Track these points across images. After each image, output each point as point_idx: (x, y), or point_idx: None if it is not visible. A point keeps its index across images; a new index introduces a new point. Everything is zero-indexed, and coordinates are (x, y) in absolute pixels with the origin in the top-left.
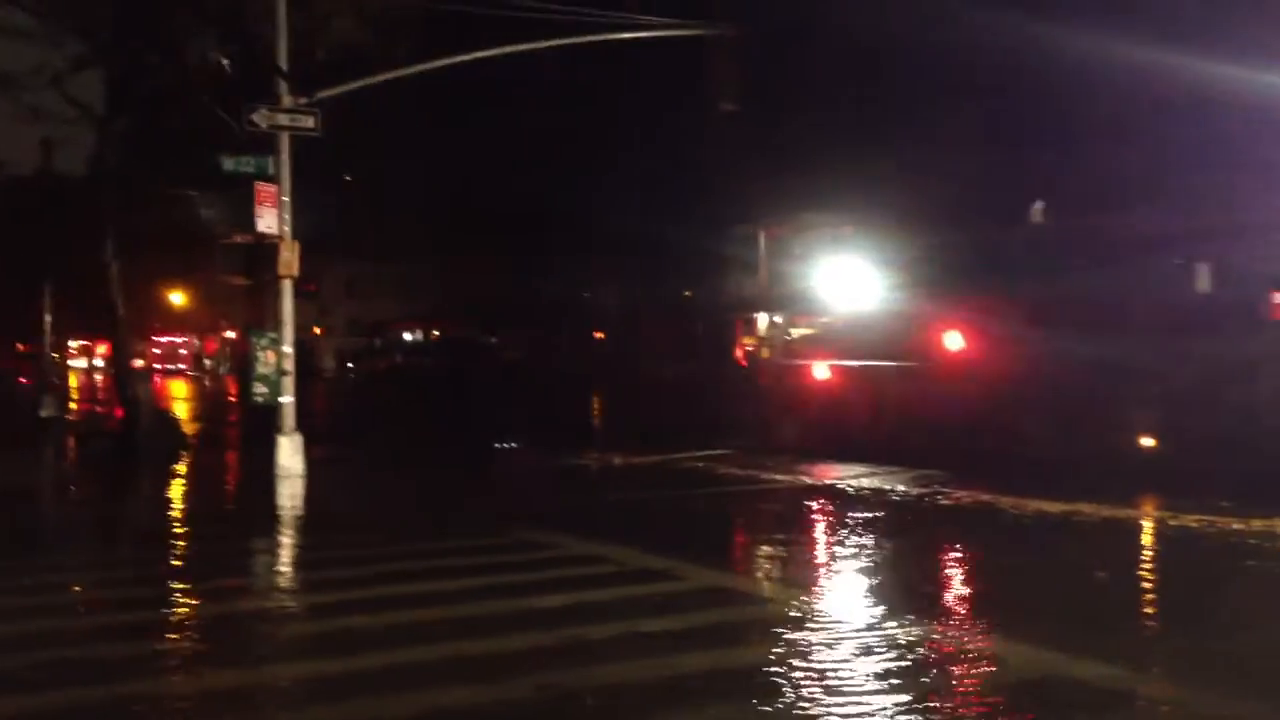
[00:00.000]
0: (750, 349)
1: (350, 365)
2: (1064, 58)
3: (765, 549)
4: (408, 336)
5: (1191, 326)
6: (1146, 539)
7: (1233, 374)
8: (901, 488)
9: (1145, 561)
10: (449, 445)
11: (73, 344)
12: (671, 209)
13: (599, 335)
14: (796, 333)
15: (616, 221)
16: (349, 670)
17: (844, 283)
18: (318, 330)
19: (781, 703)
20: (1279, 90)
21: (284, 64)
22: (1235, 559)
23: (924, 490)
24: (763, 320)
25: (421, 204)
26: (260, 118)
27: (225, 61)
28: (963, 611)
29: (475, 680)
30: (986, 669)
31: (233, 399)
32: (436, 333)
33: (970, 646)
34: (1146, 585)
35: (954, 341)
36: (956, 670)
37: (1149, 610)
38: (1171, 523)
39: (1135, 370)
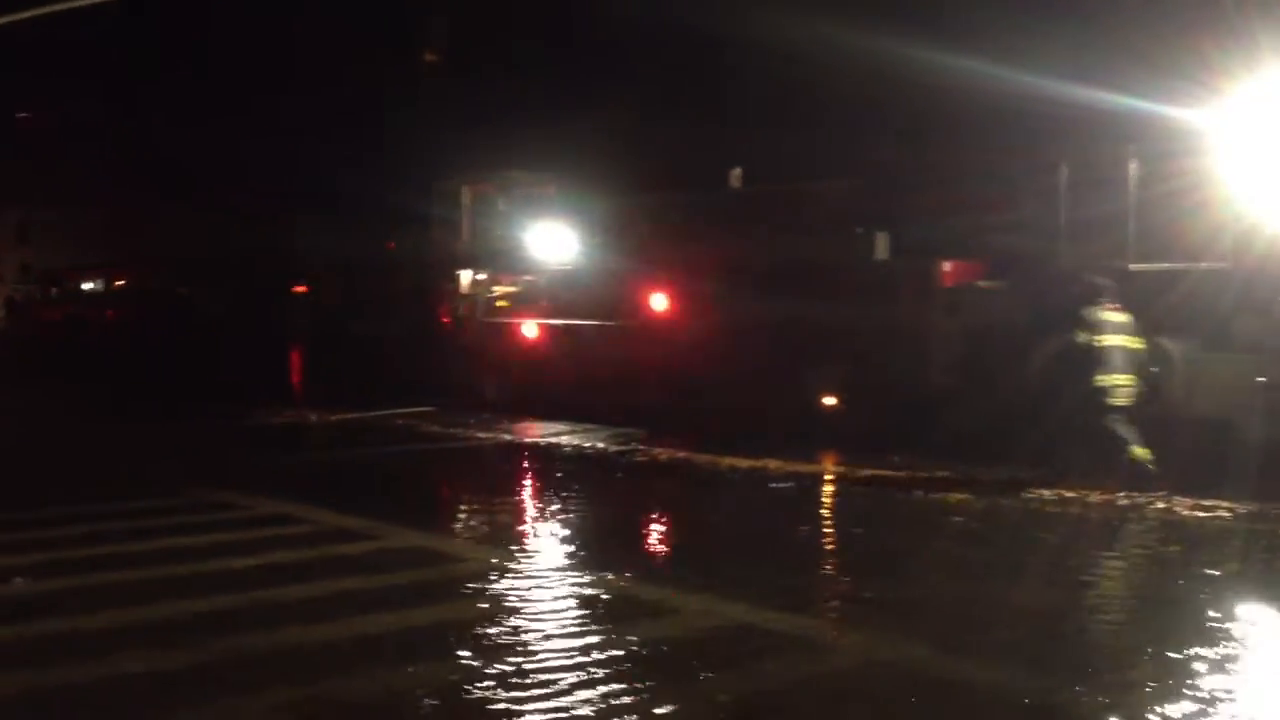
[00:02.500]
0: (454, 306)
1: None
2: (768, 31)
3: (465, 507)
4: (88, 286)
5: (870, 292)
6: (829, 493)
7: (906, 338)
8: (601, 445)
9: (826, 515)
10: (133, 401)
11: None
12: (375, 162)
13: (301, 290)
14: (500, 290)
15: (319, 174)
16: (21, 637)
17: (548, 241)
18: None
19: (480, 658)
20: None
21: None
22: (907, 512)
23: (623, 448)
24: (466, 277)
25: (108, 149)
26: None
27: None
28: (656, 564)
29: (161, 645)
30: (676, 618)
31: None
32: (121, 282)
33: (662, 598)
34: (827, 536)
35: (654, 302)
36: (647, 621)
37: (830, 560)
38: (851, 478)
39: (820, 333)
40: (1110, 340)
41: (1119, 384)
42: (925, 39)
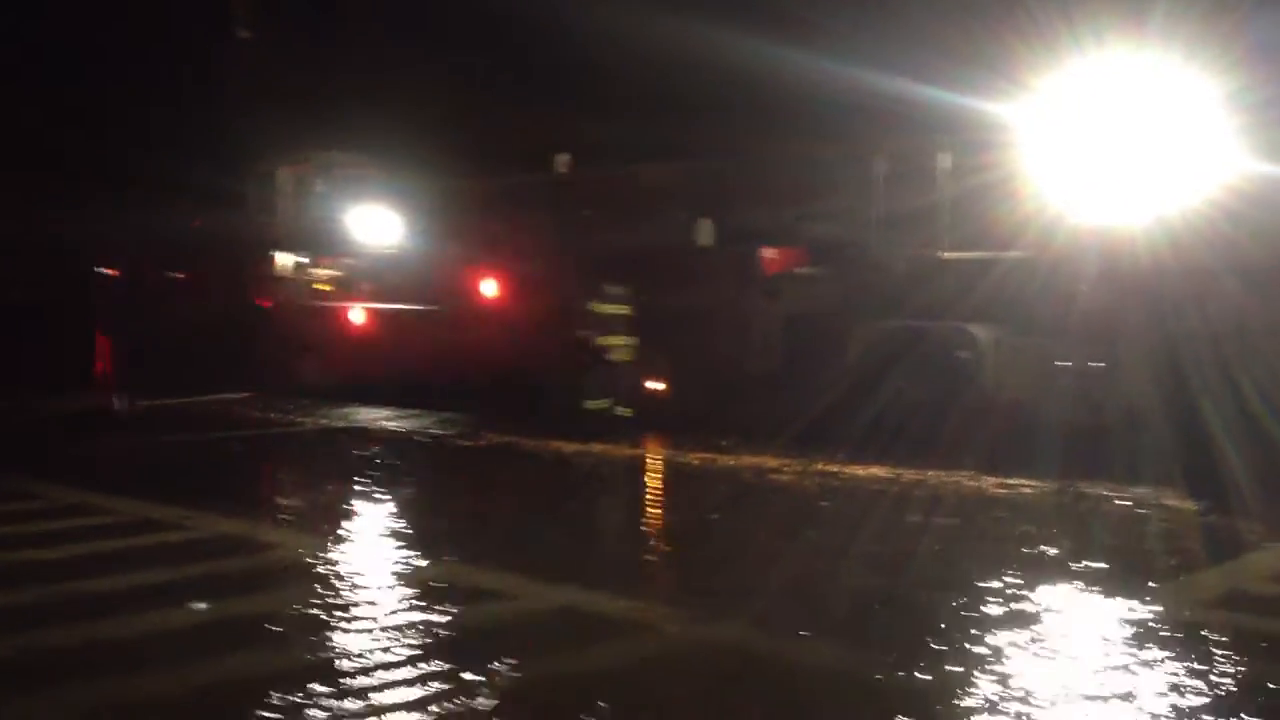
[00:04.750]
0: (272, 290)
1: None
2: (593, 15)
3: (282, 493)
4: None
5: (694, 278)
6: (656, 476)
7: (729, 324)
8: (426, 430)
9: (653, 497)
10: None
11: None
12: (189, 142)
13: (111, 273)
14: (320, 274)
15: (127, 154)
16: None
17: (370, 224)
18: None
19: (293, 648)
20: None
21: None
22: (734, 492)
23: (449, 432)
24: (284, 260)
25: None
26: None
27: None
28: (480, 549)
29: None
30: (501, 603)
31: None
32: None
33: (486, 582)
34: (654, 518)
35: (480, 287)
36: (470, 606)
37: (658, 542)
38: (677, 460)
39: (645, 318)
40: (606, 309)
41: (611, 343)
42: (745, 28)
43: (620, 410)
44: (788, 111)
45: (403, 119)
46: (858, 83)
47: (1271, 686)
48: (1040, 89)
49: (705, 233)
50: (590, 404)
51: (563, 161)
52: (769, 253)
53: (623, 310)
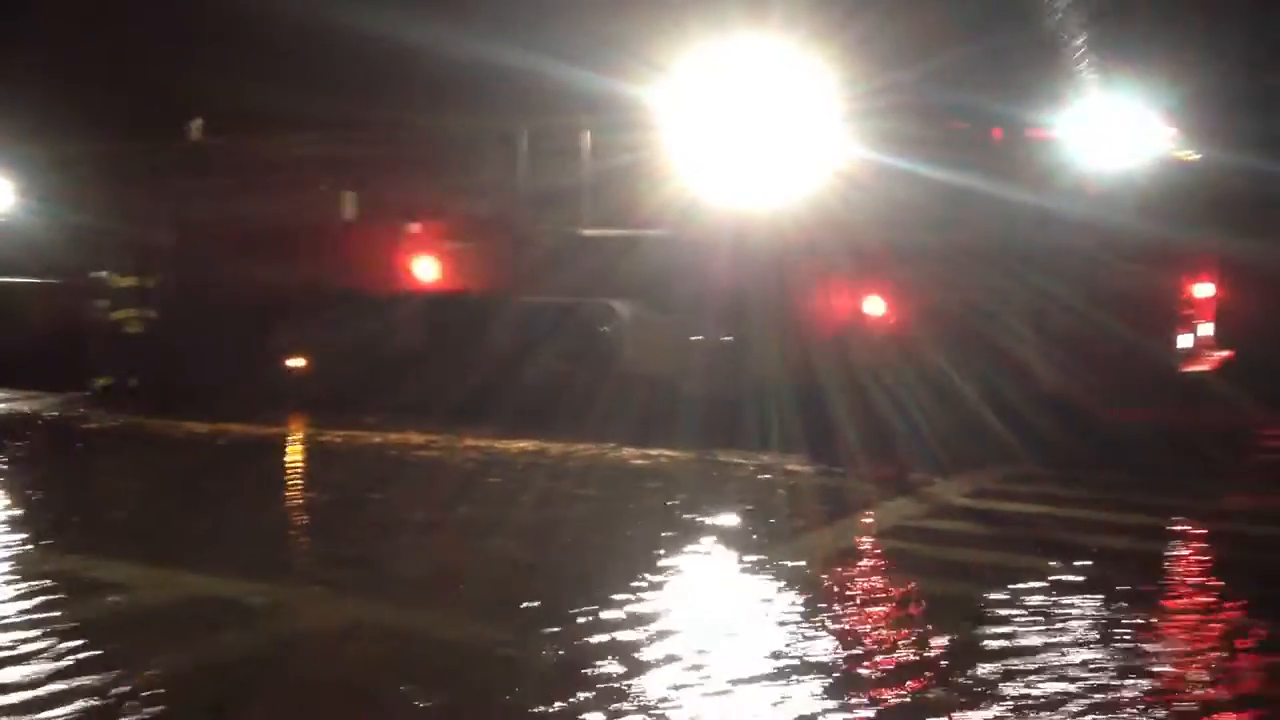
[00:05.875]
0: None
1: None
2: None
3: None
4: None
5: (337, 253)
6: (296, 455)
7: (372, 299)
8: (47, 412)
9: (294, 477)
10: None
11: None
12: None
13: None
14: None
15: None
16: None
17: None
18: None
19: None
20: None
21: None
22: (376, 470)
23: (71, 414)
24: None
25: None
26: None
27: None
28: (102, 537)
29: None
30: (126, 593)
31: None
32: None
33: (110, 573)
34: (294, 499)
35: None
36: (92, 598)
37: (298, 524)
38: (317, 439)
39: (286, 293)
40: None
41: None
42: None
43: (132, 383)
44: (434, 84)
45: (15, 77)
46: (503, 59)
47: (874, 630)
48: (675, 73)
49: (350, 206)
50: (100, 380)
51: (197, 127)
52: (416, 227)
53: (139, 283)
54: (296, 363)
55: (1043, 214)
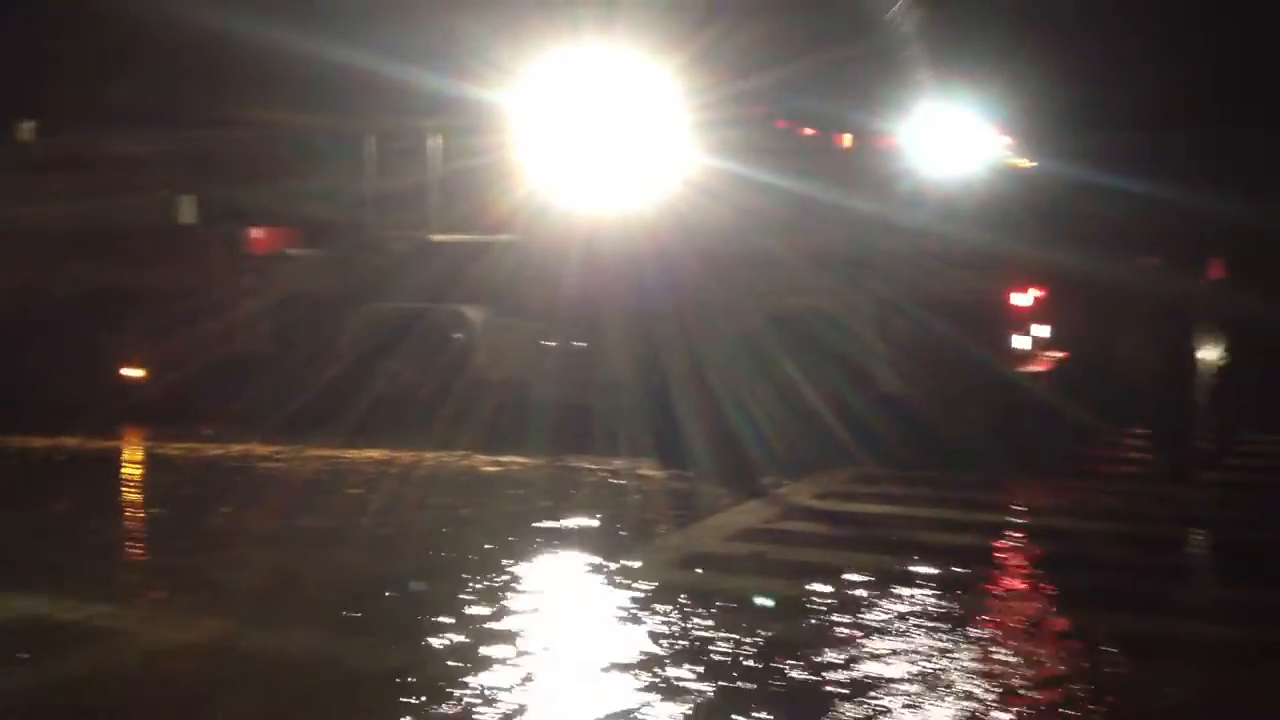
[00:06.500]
0: None
1: None
2: None
3: None
4: None
5: (177, 258)
6: (131, 470)
7: (216, 306)
8: None
9: (132, 492)
10: None
11: None
12: None
13: None
14: None
15: None
16: None
17: None
18: None
19: None
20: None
21: None
22: (219, 483)
23: None
24: None
25: None
26: None
27: None
28: None
29: None
30: None
31: None
32: None
33: None
34: (132, 515)
35: None
36: None
37: (135, 540)
38: (157, 452)
39: (123, 300)
40: None
41: None
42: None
43: None
44: (279, 83)
45: None
46: (350, 59)
47: (725, 635)
48: (525, 78)
49: (188, 210)
50: None
51: (28, 129)
52: (258, 232)
53: None
54: (135, 372)
55: (886, 220)
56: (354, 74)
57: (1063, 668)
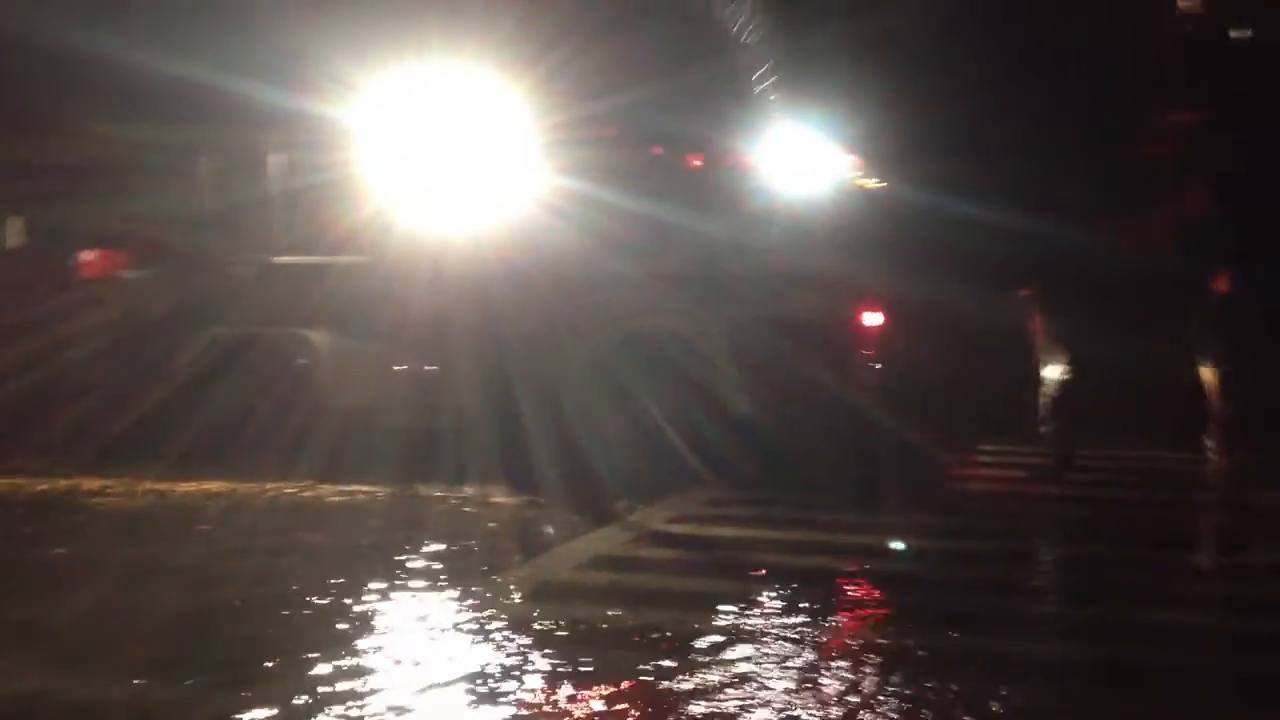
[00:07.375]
0: None
1: None
2: None
3: None
4: None
5: (2, 283)
6: None
7: (44, 331)
8: None
9: None
10: None
11: None
12: None
13: None
14: None
15: None
16: None
17: None
18: None
19: None
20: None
21: None
22: (42, 522)
23: None
24: None
25: None
26: None
27: None
28: None
29: None
30: None
31: None
32: None
33: None
34: None
35: None
36: None
37: None
38: None
39: None
40: None
41: None
42: (57, 6)
43: None
44: (105, 94)
45: None
46: (182, 71)
47: (570, 664)
48: (372, 93)
49: (15, 232)
50: None
51: None
52: (88, 255)
53: None
54: None
55: (737, 241)
56: (187, 86)
57: (908, 690)
